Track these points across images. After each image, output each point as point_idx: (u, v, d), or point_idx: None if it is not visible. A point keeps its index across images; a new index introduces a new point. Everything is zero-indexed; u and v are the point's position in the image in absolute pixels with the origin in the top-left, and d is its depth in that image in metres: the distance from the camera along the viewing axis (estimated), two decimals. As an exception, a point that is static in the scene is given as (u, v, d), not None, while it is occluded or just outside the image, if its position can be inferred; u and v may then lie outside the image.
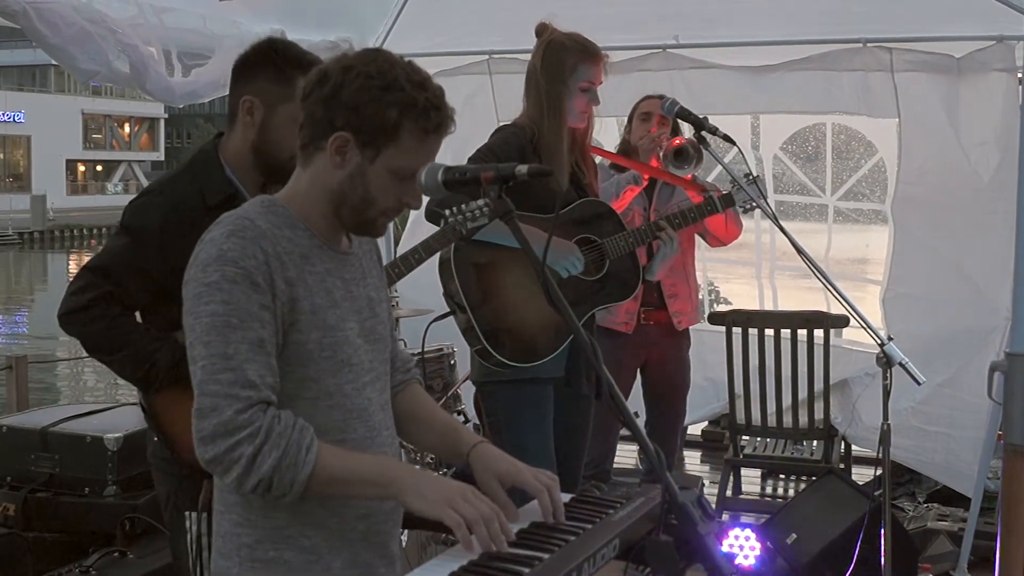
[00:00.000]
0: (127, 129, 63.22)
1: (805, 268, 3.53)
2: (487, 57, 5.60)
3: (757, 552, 4.00)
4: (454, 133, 1.95)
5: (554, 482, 1.94)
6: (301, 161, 1.96)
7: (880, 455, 3.45)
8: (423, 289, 4.44)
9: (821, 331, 4.85)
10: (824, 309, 4.97)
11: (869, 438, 4.99)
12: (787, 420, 5.05)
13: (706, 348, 5.37)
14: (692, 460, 6.50)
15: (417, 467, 3.78)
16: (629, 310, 4.40)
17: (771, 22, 4.98)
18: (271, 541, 1.91)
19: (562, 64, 3.43)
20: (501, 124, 3.78)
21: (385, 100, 1.85)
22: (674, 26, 5.21)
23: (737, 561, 3.97)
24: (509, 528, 1.79)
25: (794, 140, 5.91)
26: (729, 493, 5.21)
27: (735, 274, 6.73)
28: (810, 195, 5.97)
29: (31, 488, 4.32)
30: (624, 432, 4.62)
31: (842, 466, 5.25)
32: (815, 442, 5.27)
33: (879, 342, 3.35)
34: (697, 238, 4.60)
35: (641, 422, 4.53)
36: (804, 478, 5.50)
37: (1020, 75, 4.59)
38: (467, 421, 4.92)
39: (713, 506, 4.65)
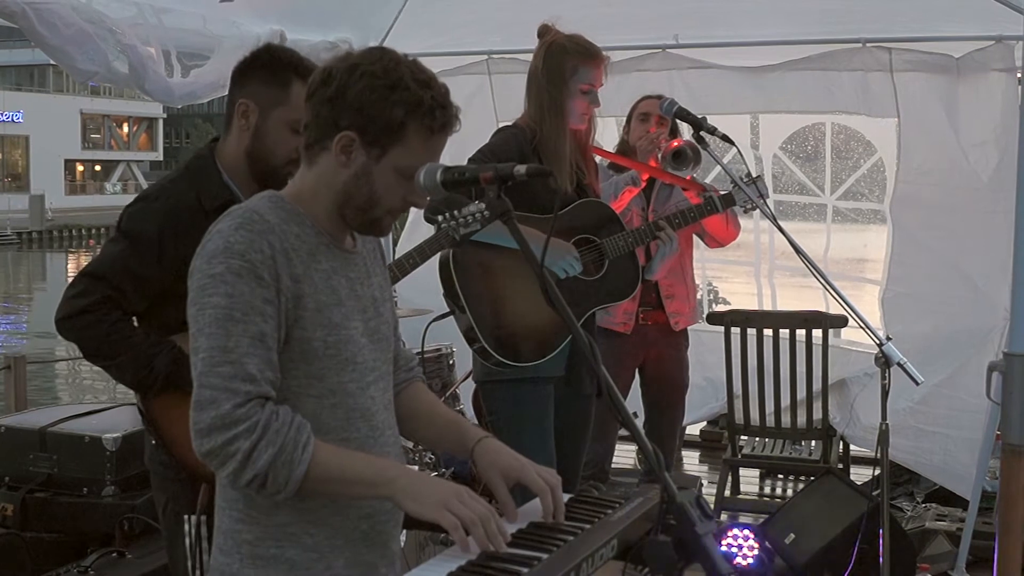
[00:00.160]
0: (126, 129, 63.19)
1: (804, 268, 3.53)
2: (486, 57, 5.60)
3: (755, 552, 4.00)
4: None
5: (558, 482, 1.95)
6: (306, 160, 1.96)
7: (878, 455, 3.45)
8: (423, 289, 4.44)
9: (820, 331, 4.85)
10: (823, 309, 4.97)
11: (867, 438, 4.99)
12: (785, 420, 5.05)
13: (705, 348, 5.37)
14: (690, 460, 6.50)
15: (414, 468, 3.79)
16: (627, 310, 4.41)
17: (770, 22, 4.98)
18: (273, 538, 1.90)
19: (563, 66, 3.44)
20: (502, 125, 3.79)
21: (391, 99, 1.85)
22: (673, 26, 5.21)
23: (736, 561, 3.97)
24: (505, 528, 1.79)
25: (793, 140, 5.91)
26: (727, 493, 5.21)
27: (734, 274, 6.73)
28: (809, 195, 5.97)
29: (29, 488, 4.31)
30: (623, 432, 4.63)
31: (840, 466, 5.25)
32: (813, 442, 5.27)
33: (877, 342, 3.36)
34: (695, 239, 4.61)
35: (640, 422, 4.54)
36: (802, 478, 5.49)
37: (1019, 75, 4.59)
38: (466, 421, 4.91)
39: (711, 506, 4.65)
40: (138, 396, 2.66)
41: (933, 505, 4.86)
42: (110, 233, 2.80)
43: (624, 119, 4.66)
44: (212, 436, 1.78)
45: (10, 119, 52.74)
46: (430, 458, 4.28)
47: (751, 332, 4.97)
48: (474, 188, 1.92)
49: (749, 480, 5.70)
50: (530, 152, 3.41)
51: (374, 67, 1.86)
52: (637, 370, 4.59)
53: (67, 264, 37.49)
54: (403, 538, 3.47)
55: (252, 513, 1.91)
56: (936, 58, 4.82)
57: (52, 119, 53.35)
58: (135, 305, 2.63)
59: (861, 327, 3.49)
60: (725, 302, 9.31)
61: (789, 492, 5.60)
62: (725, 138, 3.72)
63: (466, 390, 4.69)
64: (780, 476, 5.85)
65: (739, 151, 4.01)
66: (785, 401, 5.01)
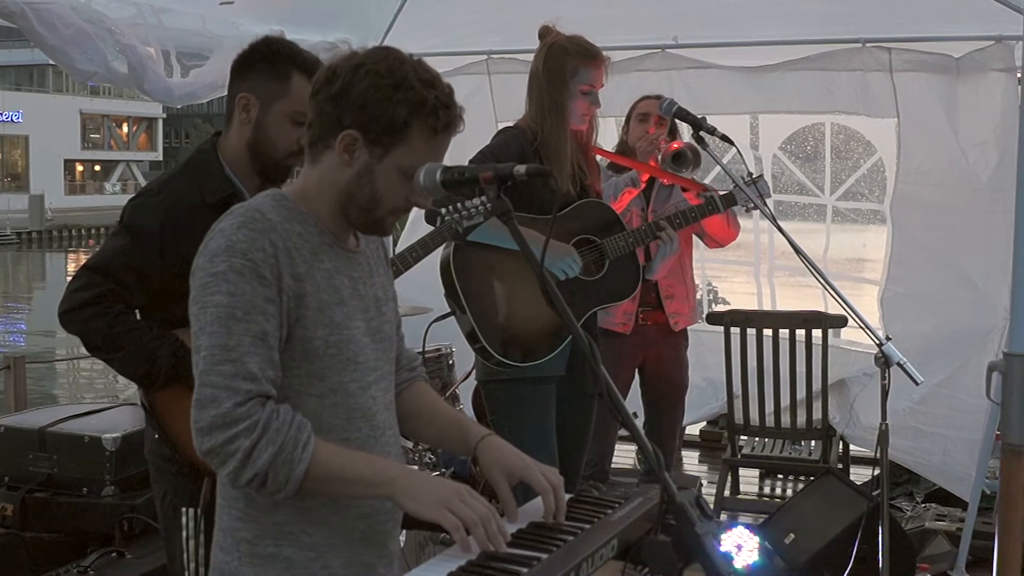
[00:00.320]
0: (125, 129, 63.18)
1: (803, 268, 3.53)
2: (486, 57, 5.60)
3: (755, 552, 3.99)
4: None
5: (561, 482, 1.95)
6: (309, 159, 1.96)
7: (878, 455, 3.45)
8: (423, 289, 4.44)
9: (819, 331, 4.85)
10: (822, 309, 4.97)
11: (867, 438, 4.99)
12: (785, 420, 5.05)
13: (704, 348, 5.37)
14: (690, 460, 6.50)
15: (414, 468, 3.79)
16: (627, 311, 4.41)
17: (770, 22, 4.98)
18: (271, 537, 1.91)
19: (563, 67, 3.45)
20: (503, 126, 3.79)
21: (395, 99, 1.85)
22: (673, 26, 5.21)
23: (735, 561, 3.97)
24: (505, 528, 1.79)
25: (793, 140, 5.90)
26: (727, 493, 5.21)
27: (733, 274, 6.73)
28: (809, 195, 5.96)
29: (29, 488, 4.31)
30: (622, 432, 4.62)
31: (840, 466, 5.25)
32: (813, 442, 5.26)
33: (877, 342, 3.36)
34: (695, 239, 4.60)
35: (639, 422, 4.54)
36: (802, 478, 5.49)
37: (1019, 75, 4.59)
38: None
39: (711, 506, 4.65)
40: (141, 390, 2.67)
41: (933, 505, 4.86)
42: (110, 232, 2.81)
43: (623, 119, 4.66)
44: (213, 434, 1.78)
45: (10, 119, 52.72)
46: (430, 458, 4.28)
47: (751, 332, 4.97)
48: (474, 188, 1.92)
49: (749, 480, 5.70)
50: (531, 153, 3.42)
51: (379, 66, 1.86)
52: (637, 370, 4.59)
53: (67, 264, 37.48)
54: (403, 538, 3.47)
55: (251, 512, 1.91)
56: (936, 58, 4.82)
57: (52, 119, 53.34)
58: (137, 299, 2.64)
59: (861, 327, 3.49)
60: (724, 302, 9.32)
61: (789, 492, 5.60)
62: (725, 138, 3.72)
63: (466, 390, 4.69)
64: (780, 476, 5.85)
65: (738, 151, 4.02)
66: (785, 401, 5.01)
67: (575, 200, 3.57)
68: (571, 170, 3.50)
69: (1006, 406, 3.50)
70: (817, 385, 4.95)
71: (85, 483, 4.29)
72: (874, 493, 3.88)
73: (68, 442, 4.37)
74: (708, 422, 6.40)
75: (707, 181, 5.13)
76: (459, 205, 2.76)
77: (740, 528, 4.01)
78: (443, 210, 2.86)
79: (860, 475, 5.28)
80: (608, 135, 5.28)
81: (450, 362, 4.96)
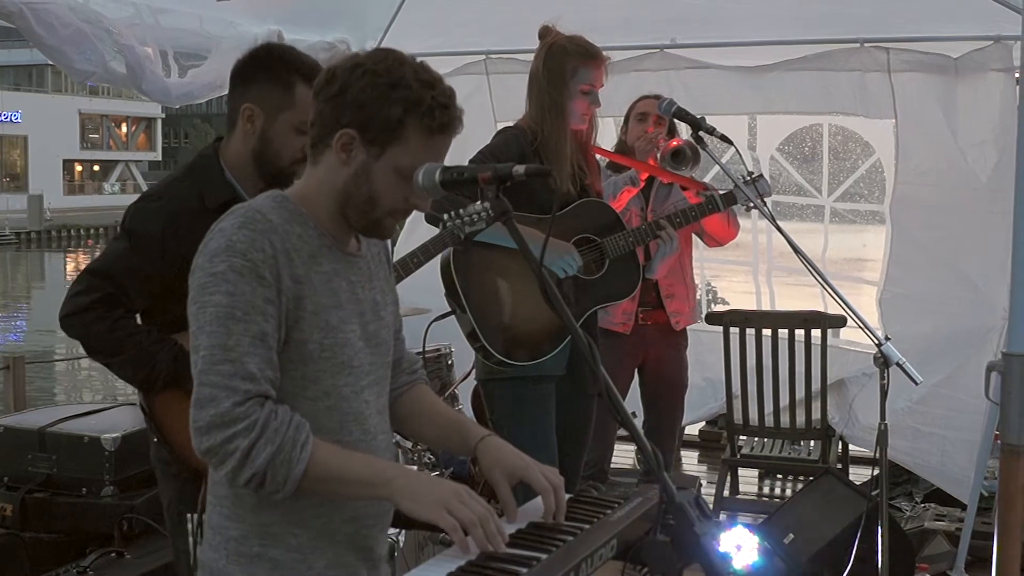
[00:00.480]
0: (124, 129, 63.15)
1: (802, 268, 3.53)
2: (484, 57, 5.60)
3: (755, 552, 3.99)
4: (452, 133, 1.95)
5: (561, 482, 1.94)
6: (311, 160, 1.96)
7: (877, 455, 3.45)
8: (423, 289, 4.43)
9: (818, 331, 4.85)
10: (821, 309, 4.97)
11: (866, 438, 5.00)
12: (784, 420, 5.05)
13: (704, 348, 5.37)
14: (689, 460, 6.50)
15: (413, 468, 3.79)
16: (627, 310, 4.41)
17: (768, 22, 4.98)
18: (257, 537, 1.91)
19: (563, 67, 3.45)
20: (502, 126, 3.79)
21: (391, 97, 1.85)
22: (671, 26, 5.21)
23: (734, 561, 3.97)
24: (504, 529, 1.79)
25: (791, 141, 5.90)
26: (727, 493, 5.21)
27: (732, 274, 6.72)
28: (807, 196, 5.96)
29: (28, 488, 4.31)
30: (622, 432, 4.63)
31: (839, 466, 5.25)
32: (812, 442, 5.26)
33: (876, 342, 3.36)
34: (695, 238, 4.60)
35: (639, 422, 4.54)
36: (801, 478, 5.49)
37: (1017, 75, 4.59)
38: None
39: (711, 506, 4.65)
40: (140, 394, 2.67)
41: (932, 505, 4.86)
42: (109, 233, 2.82)
43: (622, 119, 4.66)
44: (211, 434, 1.78)
45: (9, 119, 52.69)
46: (429, 458, 4.28)
47: (750, 332, 4.97)
48: (474, 189, 1.92)
49: (748, 480, 5.70)
50: (531, 153, 3.42)
51: (377, 66, 1.87)
52: (636, 370, 4.59)
53: (65, 264, 37.45)
54: (402, 538, 3.47)
55: (238, 511, 1.91)
56: (934, 58, 4.82)
57: (50, 119, 53.31)
58: (137, 303, 2.65)
59: (860, 327, 3.50)
60: (724, 302, 9.31)
61: (788, 492, 5.60)
62: (724, 138, 3.72)
63: (465, 390, 4.69)
64: (779, 476, 5.85)
65: (737, 151, 4.02)
66: (784, 401, 5.02)
67: (575, 199, 3.58)
68: (571, 170, 3.51)
69: (1005, 406, 3.50)
70: (816, 385, 4.95)
71: (84, 483, 4.29)
72: (873, 493, 3.88)
73: (67, 442, 4.37)
74: (707, 422, 6.40)
75: (706, 181, 5.12)
76: (460, 211, 2.77)
77: (740, 528, 4.01)
78: (445, 216, 2.87)
79: (859, 475, 5.28)
80: (607, 135, 5.28)
81: (449, 362, 4.96)
